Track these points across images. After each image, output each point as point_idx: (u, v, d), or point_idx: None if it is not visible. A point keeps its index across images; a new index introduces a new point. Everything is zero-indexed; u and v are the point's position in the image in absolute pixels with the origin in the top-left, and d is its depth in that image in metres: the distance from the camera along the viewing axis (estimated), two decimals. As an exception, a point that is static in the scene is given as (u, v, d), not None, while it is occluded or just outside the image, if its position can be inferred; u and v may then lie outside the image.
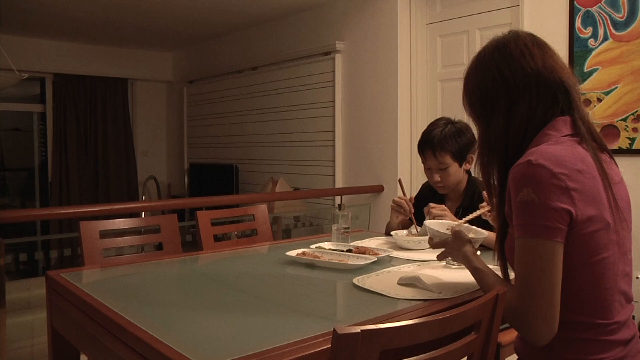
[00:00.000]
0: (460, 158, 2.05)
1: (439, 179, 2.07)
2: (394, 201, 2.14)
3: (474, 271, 1.25)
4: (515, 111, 1.16)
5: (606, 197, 1.08)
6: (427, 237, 1.93)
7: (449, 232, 1.41)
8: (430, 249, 1.93)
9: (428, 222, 1.60)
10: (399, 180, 2.24)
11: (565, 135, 1.13)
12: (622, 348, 1.10)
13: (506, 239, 1.19)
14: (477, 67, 1.24)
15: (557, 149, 1.08)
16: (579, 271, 1.07)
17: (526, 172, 1.06)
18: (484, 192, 1.86)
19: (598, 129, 2.88)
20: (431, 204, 1.94)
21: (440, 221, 1.67)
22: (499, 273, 1.24)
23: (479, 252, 1.34)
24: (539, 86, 1.15)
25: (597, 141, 1.16)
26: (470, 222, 1.60)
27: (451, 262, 1.65)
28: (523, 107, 1.15)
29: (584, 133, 1.14)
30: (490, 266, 1.25)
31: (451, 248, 1.35)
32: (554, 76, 1.16)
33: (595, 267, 1.07)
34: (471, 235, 1.53)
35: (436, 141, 2.03)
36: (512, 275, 1.17)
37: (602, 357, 1.08)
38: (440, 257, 1.44)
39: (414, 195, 2.31)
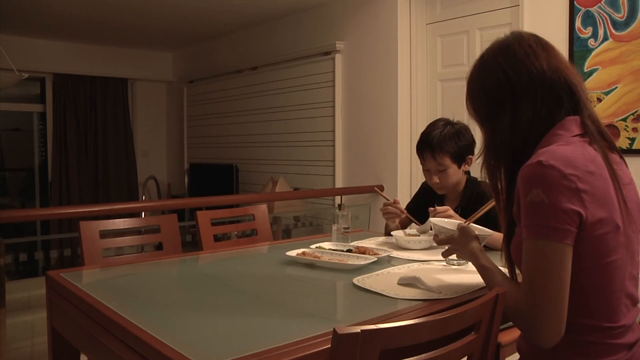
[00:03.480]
0: (459, 159, 2.04)
1: (437, 180, 2.06)
2: (381, 210, 2.16)
3: (481, 269, 1.23)
4: (521, 113, 1.14)
5: (616, 199, 1.06)
6: (427, 237, 1.95)
7: (454, 228, 1.41)
8: (430, 249, 1.94)
9: (433, 220, 1.59)
10: (375, 189, 2.25)
11: (575, 135, 1.11)
12: (627, 352, 1.10)
13: (512, 240, 1.17)
14: (481, 70, 1.21)
15: (567, 150, 1.06)
16: (588, 274, 1.06)
17: (536, 173, 1.04)
18: None
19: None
20: (438, 207, 1.93)
21: (446, 220, 1.67)
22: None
23: None
24: (544, 87, 1.13)
25: (607, 140, 1.15)
26: (476, 220, 1.58)
27: (451, 261, 1.65)
28: (528, 108, 1.14)
29: (593, 132, 1.12)
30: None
31: (457, 244, 1.35)
32: (558, 76, 1.14)
33: (604, 270, 1.06)
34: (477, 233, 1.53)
35: (435, 142, 2.01)
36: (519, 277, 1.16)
37: None
38: (445, 254, 1.43)
39: (408, 193, 2.31)
